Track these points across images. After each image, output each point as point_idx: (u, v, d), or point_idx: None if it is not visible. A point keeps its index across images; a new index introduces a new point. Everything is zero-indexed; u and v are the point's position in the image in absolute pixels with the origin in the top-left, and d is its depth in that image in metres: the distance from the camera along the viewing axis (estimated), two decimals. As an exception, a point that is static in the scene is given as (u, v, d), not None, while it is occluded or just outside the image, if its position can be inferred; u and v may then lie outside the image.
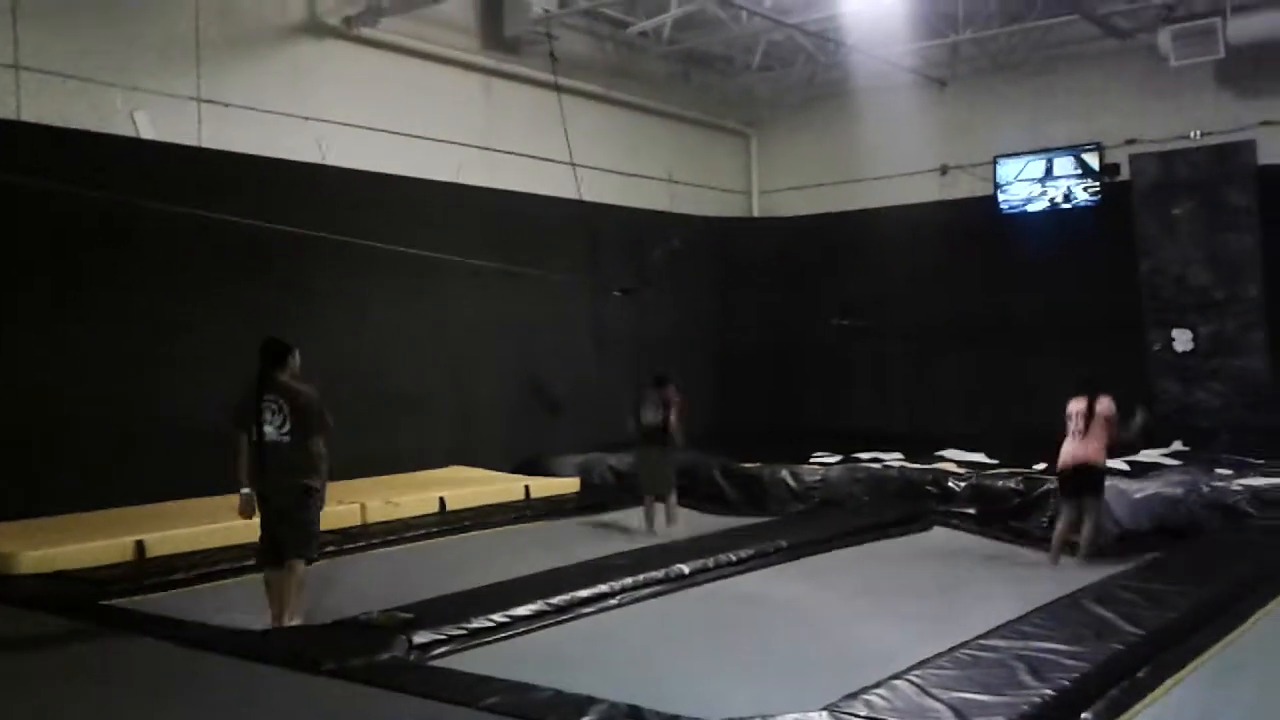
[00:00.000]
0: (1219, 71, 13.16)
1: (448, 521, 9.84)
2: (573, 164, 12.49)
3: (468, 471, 11.71)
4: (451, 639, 6.00)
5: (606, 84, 14.33)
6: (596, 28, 13.98)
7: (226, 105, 10.36)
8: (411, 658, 5.76)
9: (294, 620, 6.46)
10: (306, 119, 10.98)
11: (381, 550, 8.94)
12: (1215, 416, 12.69)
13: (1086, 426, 8.21)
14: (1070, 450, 8.25)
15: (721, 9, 13.25)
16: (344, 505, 9.11)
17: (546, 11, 12.46)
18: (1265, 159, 12.57)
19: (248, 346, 6.73)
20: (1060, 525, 8.34)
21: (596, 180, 13.61)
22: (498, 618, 6.33)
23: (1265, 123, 13.00)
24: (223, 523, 8.47)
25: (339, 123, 11.26)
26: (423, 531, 9.47)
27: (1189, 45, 12.52)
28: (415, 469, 11.55)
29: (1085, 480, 8.22)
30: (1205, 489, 9.10)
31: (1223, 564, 7.34)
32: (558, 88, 12.53)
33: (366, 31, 11.54)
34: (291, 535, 6.50)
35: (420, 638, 5.90)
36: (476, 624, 6.20)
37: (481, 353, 12.68)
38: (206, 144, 10.20)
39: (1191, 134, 13.45)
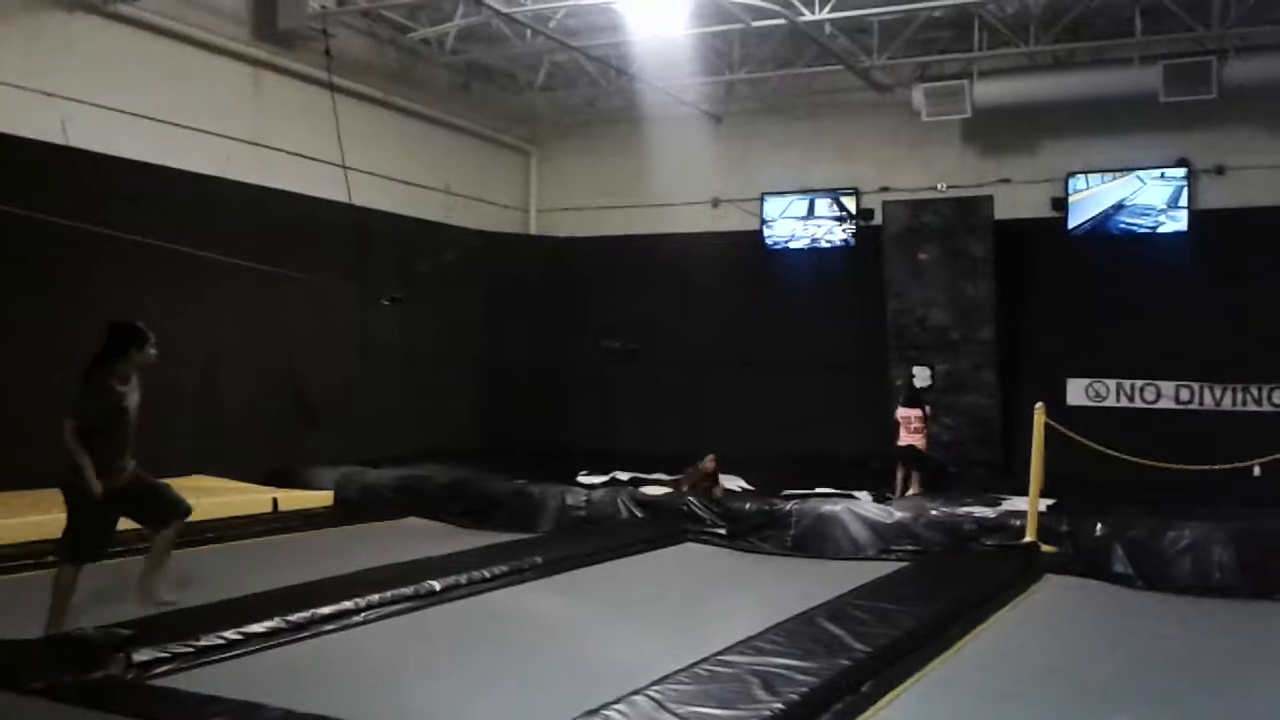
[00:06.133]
0: (965, 130, 14.28)
1: (184, 534, 9.21)
2: (344, 167, 12.12)
3: (211, 481, 11.06)
4: (176, 657, 5.64)
5: (385, 88, 14.03)
6: (377, 30, 13.67)
7: (-46, 73, 9.50)
8: (130, 676, 5.38)
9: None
10: (49, 95, 10.18)
11: (105, 563, 8.29)
12: (947, 449, 13.62)
13: (910, 426, 11.33)
14: (904, 438, 11.43)
15: (506, 24, 13.23)
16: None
17: (323, 7, 12.10)
18: (1001, 214, 13.60)
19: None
20: (899, 478, 11.44)
21: (370, 186, 13.27)
22: (230, 635, 5.99)
23: (1003, 180, 14.19)
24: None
25: (88, 103, 10.49)
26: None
27: (940, 103, 13.55)
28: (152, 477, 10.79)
29: (910, 455, 11.44)
30: (933, 514, 9.76)
31: (945, 585, 7.87)
32: (332, 87, 12.17)
33: (124, 8, 10.84)
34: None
35: (141, 655, 5.51)
36: (205, 641, 5.85)
37: (237, 356, 12.06)
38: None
39: (938, 185, 14.52)
